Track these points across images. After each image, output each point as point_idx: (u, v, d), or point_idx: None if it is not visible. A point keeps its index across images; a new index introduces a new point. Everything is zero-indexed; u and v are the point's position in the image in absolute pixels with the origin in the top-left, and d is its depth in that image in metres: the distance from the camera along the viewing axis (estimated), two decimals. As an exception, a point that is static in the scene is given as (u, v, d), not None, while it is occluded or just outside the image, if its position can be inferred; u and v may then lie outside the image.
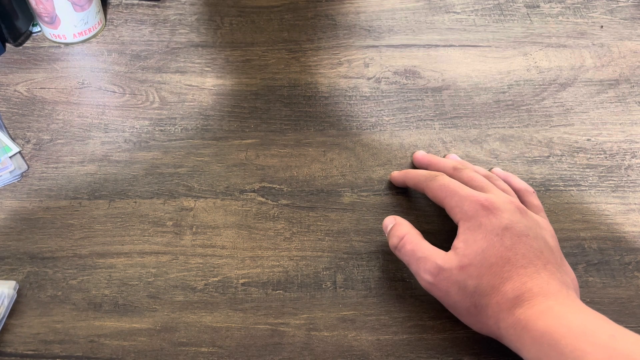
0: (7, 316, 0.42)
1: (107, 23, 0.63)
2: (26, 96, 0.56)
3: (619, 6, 0.65)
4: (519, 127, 0.54)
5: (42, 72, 0.58)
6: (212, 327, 0.41)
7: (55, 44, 0.61)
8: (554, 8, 0.65)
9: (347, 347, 0.40)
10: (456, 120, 0.54)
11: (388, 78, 0.58)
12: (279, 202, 0.48)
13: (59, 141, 0.52)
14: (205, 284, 0.44)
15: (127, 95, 0.56)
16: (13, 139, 0.52)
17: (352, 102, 0.56)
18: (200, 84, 0.57)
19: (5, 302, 0.42)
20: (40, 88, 0.57)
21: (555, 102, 0.56)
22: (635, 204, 0.48)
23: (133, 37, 0.62)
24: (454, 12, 0.64)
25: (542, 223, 0.41)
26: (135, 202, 0.48)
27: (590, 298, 0.43)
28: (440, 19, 0.64)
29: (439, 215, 0.48)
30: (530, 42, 0.61)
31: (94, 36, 0.61)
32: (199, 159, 0.51)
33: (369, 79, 0.58)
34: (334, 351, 0.40)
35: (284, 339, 0.41)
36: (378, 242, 0.46)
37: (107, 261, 0.45)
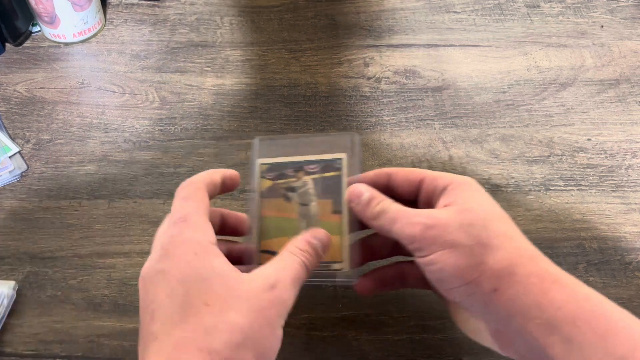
0: (7, 316, 0.42)
1: (106, 23, 0.63)
2: (26, 96, 0.56)
3: (619, 6, 0.65)
4: (519, 126, 0.54)
5: (41, 72, 0.58)
6: (211, 327, 0.41)
7: (55, 44, 0.61)
8: (554, 8, 0.65)
9: (347, 347, 0.40)
10: (456, 120, 0.54)
11: (388, 78, 0.58)
12: (279, 202, 0.48)
13: (59, 141, 0.52)
14: (205, 284, 0.43)
15: (127, 95, 0.56)
16: (13, 139, 0.52)
17: (352, 102, 0.56)
18: (200, 84, 0.57)
19: (5, 302, 0.42)
20: (40, 88, 0.57)
21: (555, 102, 0.55)
22: (635, 203, 0.48)
23: (133, 37, 0.62)
24: (454, 12, 0.64)
25: None
26: (135, 202, 0.48)
27: (591, 298, 0.43)
28: (440, 18, 0.64)
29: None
30: (531, 42, 0.61)
31: (93, 36, 0.61)
32: (198, 158, 0.51)
33: (369, 78, 0.58)
34: (334, 351, 0.40)
35: (284, 339, 0.41)
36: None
37: (107, 261, 0.45)
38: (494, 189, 0.49)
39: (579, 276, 0.44)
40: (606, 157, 0.51)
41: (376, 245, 0.40)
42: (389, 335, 0.41)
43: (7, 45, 0.60)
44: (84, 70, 0.58)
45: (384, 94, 0.56)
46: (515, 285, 0.31)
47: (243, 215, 0.39)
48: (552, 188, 0.49)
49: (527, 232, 0.33)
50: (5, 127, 0.53)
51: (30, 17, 0.60)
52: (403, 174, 0.37)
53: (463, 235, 0.32)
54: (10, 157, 0.50)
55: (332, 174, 0.38)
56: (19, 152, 0.51)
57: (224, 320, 0.29)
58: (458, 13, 0.64)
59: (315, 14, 0.64)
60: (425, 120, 0.54)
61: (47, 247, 0.46)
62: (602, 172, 0.50)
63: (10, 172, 0.49)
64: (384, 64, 0.59)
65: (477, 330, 0.34)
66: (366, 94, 0.56)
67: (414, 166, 0.51)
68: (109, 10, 0.64)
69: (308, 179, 0.39)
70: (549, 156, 0.51)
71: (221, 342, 0.28)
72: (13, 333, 0.41)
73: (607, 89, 0.57)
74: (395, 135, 0.53)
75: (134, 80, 0.57)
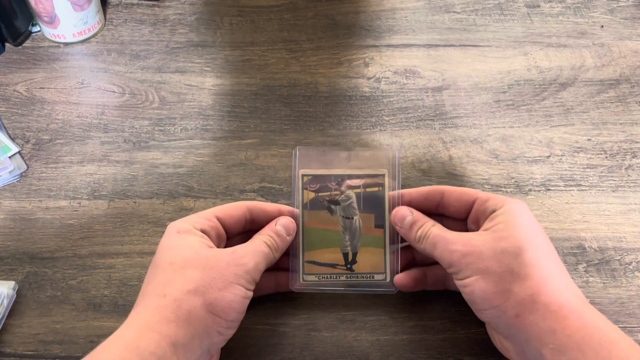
0: (7, 316, 0.42)
1: (106, 23, 0.63)
2: (25, 96, 0.56)
3: (619, 6, 0.65)
4: (519, 127, 0.54)
5: (41, 72, 0.58)
6: (211, 327, 0.41)
7: (54, 44, 0.61)
8: (554, 8, 0.65)
9: (347, 348, 0.40)
10: (456, 120, 0.54)
11: (388, 78, 0.58)
12: (279, 202, 0.48)
13: (59, 141, 0.52)
14: (205, 284, 0.43)
15: (127, 95, 0.56)
16: (12, 139, 0.52)
17: (352, 102, 0.56)
18: (200, 84, 0.57)
19: (5, 302, 0.42)
20: (40, 88, 0.57)
21: (555, 102, 0.55)
22: (635, 203, 0.48)
23: (133, 37, 0.62)
24: (454, 12, 0.64)
25: None
26: (135, 202, 0.48)
27: (591, 298, 0.43)
28: (440, 18, 0.64)
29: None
30: (531, 42, 0.61)
31: (93, 36, 0.61)
32: (198, 159, 0.51)
33: (369, 78, 0.58)
34: (334, 351, 0.40)
35: (283, 339, 0.41)
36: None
37: (107, 261, 0.45)
38: (494, 189, 0.49)
39: (579, 276, 0.44)
40: (606, 157, 0.51)
41: (416, 256, 0.43)
42: (389, 335, 0.41)
43: (7, 45, 0.60)
44: (84, 70, 0.58)
45: (384, 94, 0.56)
46: (534, 312, 0.34)
47: (266, 205, 0.41)
48: (552, 188, 0.49)
49: (527, 233, 0.33)
50: (5, 127, 0.53)
51: (30, 17, 0.60)
52: (457, 195, 0.40)
53: (495, 263, 0.35)
54: (10, 157, 0.50)
55: (374, 189, 0.41)
56: (18, 152, 0.51)
57: (182, 273, 0.35)
58: (458, 13, 0.64)
59: (315, 14, 0.64)
60: (425, 120, 0.54)
61: (47, 247, 0.45)
62: (602, 172, 0.50)
63: (10, 172, 0.49)
64: (384, 64, 0.59)
65: (506, 349, 0.37)
66: (366, 94, 0.56)
67: (413, 167, 0.51)
68: (108, 10, 0.64)
69: (351, 193, 0.41)
70: (549, 156, 0.51)
71: (175, 289, 0.34)
72: (13, 333, 0.41)
73: (607, 89, 0.56)
74: (395, 136, 0.53)
75: (133, 81, 0.57)
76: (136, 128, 0.53)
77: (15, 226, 0.47)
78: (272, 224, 0.40)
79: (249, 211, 0.40)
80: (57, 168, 0.50)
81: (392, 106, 0.55)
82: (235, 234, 0.40)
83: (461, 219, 0.41)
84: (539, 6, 0.65)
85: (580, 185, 0.49)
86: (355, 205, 0.41)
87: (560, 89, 0.57)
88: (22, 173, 0.50)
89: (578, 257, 0.45)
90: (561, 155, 0.51)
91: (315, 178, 0.41)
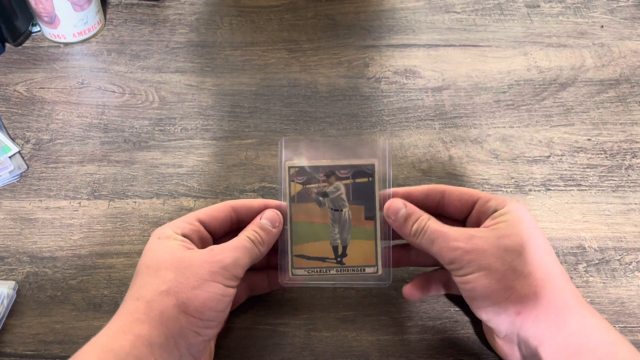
0: (7, 316, 0.42)
1: (106, 23, 0.63)
2: (26, 96, 0.56)
3: (619, 6, 0.65)
4: (519, 127, 0.54)
5: (41, 72, 0.58)
6: (211, 327, 0.41)
7: (54, 44, 0.61)
8: (554, 8, 0.65)
9: (347, 348, 0.40)
10: (456, 120, 0.54)
11: (388, 78, 0.58)
12: (279, 202, 0.48)
13: (59, 141, 0.52)
14: (205, 284, 0.43)
15: (127, 95, 0.56)
16: (12, 139, 0.52)
17: (352, 102, 0.56)
18: (200, 84, 0.57)
19: (5, 302, 0.42)
20: (40, 88, 0.57)
21: (555, 102, 0.55)
22: (635, 203, 0.48)
23: (133, 37, 0.62)
24: (454, 12, 0.64)
25: None
26: (135, 202, 0.48)
27: (591, 298, 0.43)
28: (440, 18, 0.64)
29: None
30: (531, 42, 0.61)
31: (93, 36, 0.61)
32: (198, 159, 0.51)
33: (369, 78, 0.58)
34: (334, 351, 0.40)
35: (283, 339, 0.41)
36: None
37: (107, 261, 0.45)
38: (494, 189, 0.49)
39: (579, 276, 0.44)
40: (606, 157, 0.51)
41: (411, 252, 0.42)
42: (389, 335, 0.41)
43: (7, 45, 0.60)
44: (84, 70, 0.58)
45: (384, 94, 0.56)
46: (536, 310, 0.34)
47: (251, 201, 0.40)
48: (552, 188, 0.49)
49: (527, 233, 0.33)
50: (5, 127, 0.53)
51: (30, 17, 0.60)
52: (458, 194, 0.39)
53: (498, 260, 0.35)
54: (10, 157, 0.50)
55: (363, 180, 0.40)
56: (18, 152, 0.51)
57: (156, 275, 0.35)
58: (458, 13, 0.64)
59: (315, 14, 0.64)
60: (425, 120, 0.54)
61: (47, 247, 0.45)
62: (602, 172, 0.50)
63: (10, 172, 0.49)
64: (384, 64, 0.59)
65: (502, 349, 0.37)
66: (366, 94, 0.56)
67: (413, 167, 0.51)
68: (108, 10, 0.64)
69: (340, 184, 0.40)
70: (549, 156, 0.51)
71: (148, 291, 0.34)
72: (13, 333, 0.41)
73: (607, 89, 0.56)
74: (395, 136, 0.53)
75: (133, 80, 0.57)
76: (136, 128, 0.53)
77: (15, 226, 0.47)
78: (257, 219, 0.39)
79: (233, 211, 0.39)
80: (57, 168, 0.50)
81: (392, 106, 0.55)
82: (222, 235, 0.40)
83: (459, 219, 0.40)
84: (538, 6, 0.65)
85: (580, 185, 0.49)
86: (344, 196, 0.40)
87: (560, 89, 0.57)
88: (22, 173, 0.50)
89: (578, 257, 0.45)
90: (561, 155, 0.51)
91: (302, 170, 0.40)
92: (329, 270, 0.40)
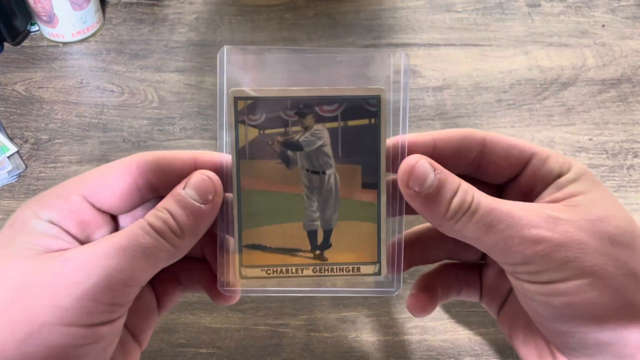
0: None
1: (105, 22, 0.63)
2: (24, 95, 0.56)
3: (621, 5, 0.64)
4: (520, 126, 0.53)
5: (40, 71, 0.58)
6: (211, 328, 0.41)
7: (53, 43, 0.60)
8: (555, 7, 0.64)
9: (348, 348, 0.40)
10: (457, 120, 0.54)
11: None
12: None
13: (57, 141, 0.52)
14: (204, 285, 0.43)
15: (126, 94, 0.56)
16: (11, 139, 0.52)
17: (352, 101, 0.55)
18: (199, 83, 0.57)
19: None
20: (39, 87, 0.56)
21: (556, 102, 0.55)
22: (637, 203, 0.48)
23: (132, 36, 0.61)
24: (455, 11, 0.64)
25: None
26: (134, 202, 0.48)
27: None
28: (441, 18, 0.63)
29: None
30: (532, 41, 0.61)
31: (92, 35, 0.61)
32: (198, 158, 0.51)
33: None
34: (334, 352, 0.40)
35: (283, 340, 0.41)
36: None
37: (106, 262, 0.44)
38: (495, 189, 0.49)
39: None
40: (607, 157, 0.51)
41: (428, 242, 0.29)
42: (390, 336, 0.41)
43: (6, 44, 0.60)
44: (83, 69, 0.58)
45: (384, 93, 0.56)
46: None
47: (178, 154, 0.25)
48: (554, 188, 0.49)
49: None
50: (3, 127, 0.53)
51: (29, 16, 0.60)
52: (504, 147, 0.26)
53: (608, 261, 0.22)
54: (8, 157, 0.50)
55: (361, 121, 0.25)
56: (17, 152, 0.51)
57: None
58: (459, 12, 0.64)
59: (315, 13, 0.64)
60: (426, 120, 0.54)
61: (45, 248, 0.45)
62: (603, 172, 0.50)
63: (8, 172, 0.49)
64: (385, 63, 0.59)
65: None
66: (366, 94, 0.56)
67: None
68: (107, 10, 0.64)
69: (323, 128, 0.25)
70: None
71: None
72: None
73: (608, 89, 0.56)
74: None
75: (132, 80, 0.57)
76: (135, 128, 0.53)
77: (14, 226, 0.46)
78: (177, 188, 0.24)
79: (142, 173, 0.24)
80: (55, 168, 0.50)
81: (393, 105, 0.55)
82: (128, 209, 0.25)
83: (497, 184, 0.27)
84: (540, 5, 0.64)
85: (581, 185, 0.49)
86: (328, 150, 0.25)
87: (561, 89, 0.56)
88: (20, 173, 0.50)
89: (580, 257, 0.45)
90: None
91: (259, 103, 0.25)
92: (302, 270, 0.26)
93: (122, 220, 0.26)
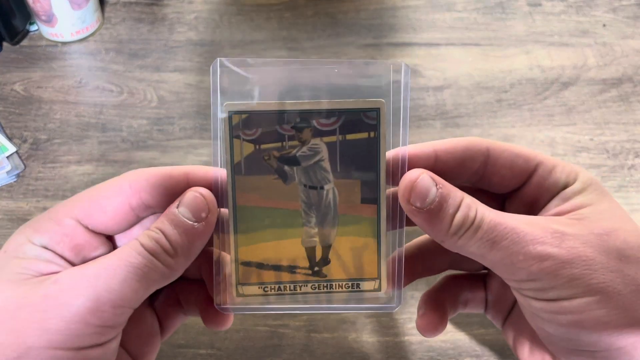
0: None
1: (104, 21, 0.63)
2: (23, 95, 0.55)
3: (622, 5, 0.64)
4: (521, 126, 0.53)
5: (39, 71, 0.58)
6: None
7: (52, 43, 0.60)
8: (556, 6, 0.64)
9: (348, 349, 0.40)
10: (458, 120, 0.54)
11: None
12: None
13: (56, 141, 0.52)
14: (204, 285, 0.43)
15: (125, 94, 0.56)
16: (10, 139, 0.52)
17: (352, 101, 0.55)
18: (199, 83, 0.57)
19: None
20: (38, 87, 0.56)
21: (557, 102, 0.55)
22: (638, 203, 0.48)
23: (131, 36, 0.61)
24: (456, 11, 0.64)
25: None
26: (133, 203, 0.48)
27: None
28: (441, 17, 0.63)
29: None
30: (533, 41, 0.60)
31: (91, 35, 0.61)
32: (197, 158, 0.51)
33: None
34: (334, 353, 0.40)
35: (283, 340, 0.40)
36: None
37: (105, 262, 0.44)
38: (496, 189, 0.49)
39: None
40: (608, 157, 0.51)
41: (430, 253, 0.28)
42: (390, 337, 0.41)
43: (4, 44, 0.60)
44: (82, 69, 0.58)
45: (384, 93, 0.56)
46: None
47: (166, 171, 0.25)
48: (555, 188, 0.49)
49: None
50: (2, 127, 0.53)
51: (28, 15, 0.60)
52: (509, 156, 0.25)
53: (616, 277, 0.22)
54: (7, 157, 0.50)
55: (360, 135, 0.24)
56: (16, 152, 0.51)
57: None
58: (459, 12, 0.64)
59: (315, 12, 0.64)
60: (426, 119, 0.54)
61: (44, 248, 0.45)
62: (604, 172, 0.50)
63: (7, 172, 0.49)
64: (385, 62, 0.59)
65: None
66: (366, 93, 0.56)
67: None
68: (107, 9, 0.64)
69: (320, 143, 0.24)
70: (551, 156, 0.51)
71: None
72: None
73: (609, 88, 0.56)
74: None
75: (132, 80, 0.57)
76: (134, 127, 0.53)
77: (13, 227, 0.46)
78: (171, 207, 0.24)
79: (135, 192, 0.24)
80: (54, 168, 0.50)
81: (393, 105, 0.55)
82: (123, 229, 0.25)
83: (502, 193, 0.26)
84: (540, 5, 0.64)
85: (582, 185, 0.49)
86: (326, 164, 0.25)
87: (562, 88, 0.56)
88: (19, 173, 0.49)
89: (581, 257, 0.45)
90: (563, 155, 0.51)
91: (254, 117, 0.24)
92: (300, 287, 0.26)
93: (119, 241, 0.26)
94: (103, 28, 0.62)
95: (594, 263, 0.22)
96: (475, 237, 0.22)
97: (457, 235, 0.23)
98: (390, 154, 0.24)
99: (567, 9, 0.64)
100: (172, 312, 0.28)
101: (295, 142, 0.24)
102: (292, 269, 0.25)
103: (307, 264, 0.26)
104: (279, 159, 0.25)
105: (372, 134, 0.24)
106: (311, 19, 0.63)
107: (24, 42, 0.61)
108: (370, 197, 0.25)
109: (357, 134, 0.24)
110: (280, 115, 0.24)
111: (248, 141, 0.24)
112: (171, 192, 0.24)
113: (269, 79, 0.24)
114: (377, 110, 0.24)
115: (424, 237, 0.29)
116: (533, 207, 0.25)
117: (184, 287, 0.27)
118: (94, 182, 0.49)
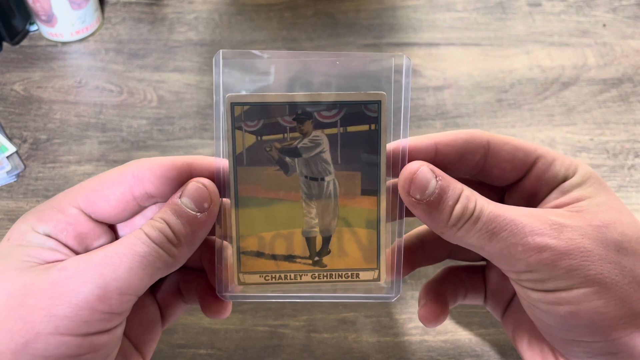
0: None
1: (104, 21, 0.63)
2: (23, 95, 0.55)
3: (622, 5, 0.64)
4: (521, 126, 0.53)
5: (39, 71, 0.58)
6: (210, 328, 0.41)
7: (52, 43, 0.60)
8: (556, 6, 0.64)
9: (348, 349, 0.40)
10: (458, 120, 0.54)
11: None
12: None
13: (56, 141, 0.52)
14: (204, 286, 0.43)
15: (125, 94, 0.56)
16: (9, 139, 0.52)
17: (352, 101, 0.55)
18: (199, 83, 0.57)
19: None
20: (37, 87, 0.56)
21: (557, 102, 0.55)
22: (638, 203, 0.48)
23: (131, 36, 0.61)
24: (456, 10, 0.64)
25: None
26: (133, 203, 0.48)
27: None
28: (441, 17, 0.63)
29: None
30: (533, 41, 0.60)
31: (91, 35, 0.61)
32: (197, 158, 0.51)
33: (369, 77, 0.57)
34: (334, 353, 0.40)
35: (283, 340, 0.40)
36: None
37: (104, 262, 0.44)
38: (496, 189, 0.49)
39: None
40: (609, 157, 0.51)
41: (429, 243, 0.29)
42: (390, 337, 0.41)
43: (4, 44, 0.60)
44: (82, 69, 0.58)
45: (384, 93, 0.56)
46: None
47: (168, 161, 0.25)
48: (555, 188, 0.49)
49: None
50: (2, 127, 0.53)
51: (28, 15, 0.60)
52: (510, 149, 0.25)
53: (614, 268, 0.22)
54: (7, 157, 0.50)
55: (361, 127, 0.25)
56: (15, 152, 0.51)
57: None
58: (459, 11, 0.64)
59: (315, 12, 0.64)
60: (426, 119, 0.54)
61: (43, 248, 0.45)
62: (604, 172, 0.50)
63: (7, 172, 0.49)
64: (385, 62, 0.59)
65: None
66: (366, 93, 0.56)
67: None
68: (106, 9, 0.64)
69: (321, 134, 0.25)
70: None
71: None
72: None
73: (609, 88, 0.56)
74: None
75: (131, 80, 0.57)
76: (134, 127, 0.53)
77: (12, 227, 0.46)
78: (173, 197, 0.24)
79: (137, 182, 0.24)
80: (54, 168, 0.50)
81: (393, 105, 0.55)
82: (126, 218, 0.25)
83: (501, 186, 0.27)
84: (540, 5, 0.64)
85: (582, 185, 0.49)
86: (327, 156, 0.25)
87: (562, 88, 0.56)
88: (19, 173, 0.49)
89: (581, 257, 0.45)
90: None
91: (256, 108, 0.24)
92: (301, 276, 0.26)
93: (122, 230, 0.26)
94: (103, 28, 0.62)
95: (592, 254, 0.22)
96: (474, 229, 0.23)
97: (457, 226, 0.23)
98: (390, 145, 0.25)
99: (567, 9, 0.64)
100: (173, 301, 0.28)
101: (296, 134, 0.25)
102: (292, 258, 0.26)
103: (307, 254, 0.26)
104: (281, 151, 0.25)
105: (373, 127, 0.25)
106: (311, 19, 0.63)
107: (24, 42, 0.61)
108: (371, 188, 0.25)
109: (358, 126, 0.25)
110: (281, 107, 0.24)
111: (250, 132, 0.25)
112: (174, 182, 0.24)
113: (271, 70, 0.25)
114: (378, 103, 0.25)
115: (423, 227, 0.29)
116: (532, 200, 0.25)
117: (184, 276, 0.28)
118: (93, 182, 0.49)
